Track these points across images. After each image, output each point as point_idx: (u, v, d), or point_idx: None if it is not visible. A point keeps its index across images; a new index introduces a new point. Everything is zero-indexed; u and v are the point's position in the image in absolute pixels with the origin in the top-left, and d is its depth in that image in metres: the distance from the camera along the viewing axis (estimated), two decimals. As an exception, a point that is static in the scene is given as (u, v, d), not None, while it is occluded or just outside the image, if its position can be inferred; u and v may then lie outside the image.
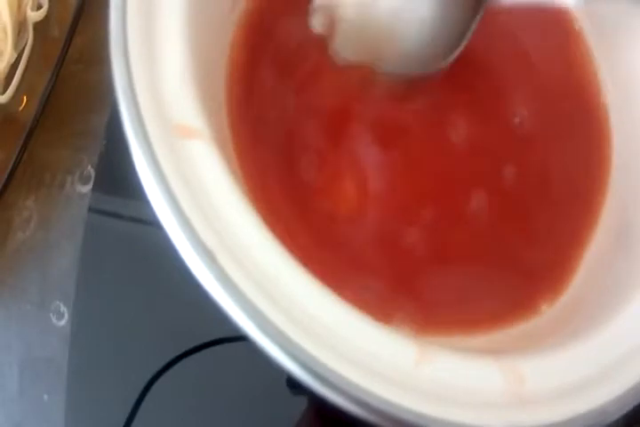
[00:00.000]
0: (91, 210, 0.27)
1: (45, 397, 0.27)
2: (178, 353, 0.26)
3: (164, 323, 0.27)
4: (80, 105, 0.29)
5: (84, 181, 0.28)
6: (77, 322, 0.26)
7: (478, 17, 0.19)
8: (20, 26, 0.32)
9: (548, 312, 0.20)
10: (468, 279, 0.20)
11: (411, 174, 0.21)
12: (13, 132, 0.30)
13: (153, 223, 0.28)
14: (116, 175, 0.27)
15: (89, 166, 0.28)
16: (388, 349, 0.15)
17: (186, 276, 0.14)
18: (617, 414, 0.15)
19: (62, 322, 0.27)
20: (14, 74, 0.31)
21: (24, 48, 0.31)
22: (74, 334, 0.26)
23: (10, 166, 0.29)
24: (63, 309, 0.27)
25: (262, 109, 0.21)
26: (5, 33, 0.31)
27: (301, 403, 0.26)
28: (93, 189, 0.27)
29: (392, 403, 0.14)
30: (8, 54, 0.31)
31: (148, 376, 0.27)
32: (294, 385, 0.26)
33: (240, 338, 0.27)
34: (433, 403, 0.14)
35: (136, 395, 0.26)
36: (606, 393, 0.15)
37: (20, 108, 0.30)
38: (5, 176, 0.29)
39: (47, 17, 0.32)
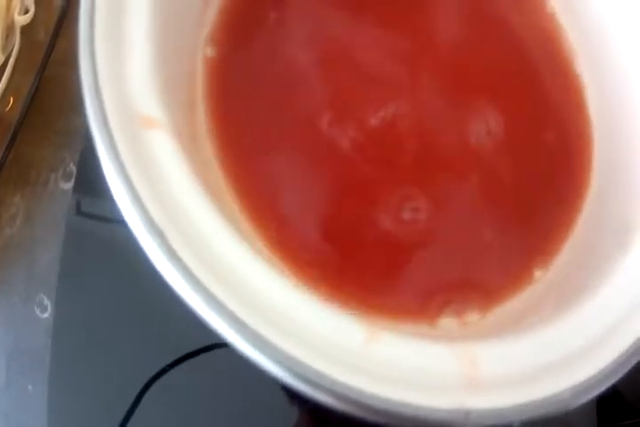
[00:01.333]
0: (71, 207, 0.28)
1: (30, 387, 0.28)
2: (163, 357, 0.27)
3: (147, 319, 0.28)
4: (63, 105, 0.30)
5: (67, 177, 0.29)
6: (59, 314, 0.27)
7: None
8: (7, 30, 0.33)
9: (520, 298, 0.20)
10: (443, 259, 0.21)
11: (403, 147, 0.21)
12: (0, 132, 0.31)
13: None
14: (97, 171, 0.28)
15: (71, 164, 0.29)
16: (335, 328, 0.15)
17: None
18: (575, 404, 0.15)
19: (46, 314, 0.28)
20: (1, 77, 0.32)
21: (11, 51, 0.32)
22: (56, 326, 0.27)
23: (-4, 165, 0.30)
24: (47, 302, 0.28)
25: (239, 108, 0.22)
26: (-7, 37, 0.32)
27: (297, 408, 0.26)
28: (75, 185, 0.28)
29: (340, 383, 0.14)
30: (-4, 58, 0.32)
31: (131, 369, 0.27)
32: (290, 390, 0.26)
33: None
34: (381, 384, 0.14)
35: (123, 389, 0.27)
36: (564, 381, 0.15)
37: (7, 108, 0.31)
38: (-9, 175, 0.30)
39: (33, 21, 0.33)
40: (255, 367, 0.27)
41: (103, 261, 0.28)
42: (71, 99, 0.30)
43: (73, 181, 0.28)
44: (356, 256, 0.20)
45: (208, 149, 0.21)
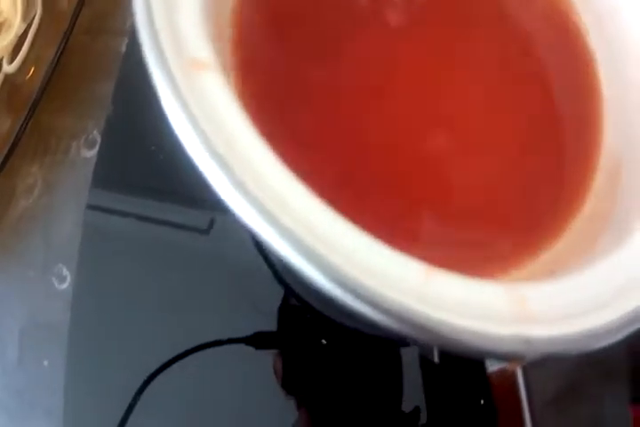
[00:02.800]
0: (96, 175, 0.27)
1: (46, 363, 0.27)
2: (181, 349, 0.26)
3: (168, 289, 0.27)
4: (86, 74, 0.29)
5: (90, 145, 0.28)
6: (80, 284, 0.26)
7: None
8: (28, -1, 0.32)
9: (556, 248, 0.20)
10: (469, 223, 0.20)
11: (424, 99, 0.21)
12: (20, 100, 0.30)
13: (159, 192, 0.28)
14: (124, 139, 0.28)
15: (94, 131, 0.28)
16: (397, 265, 0.15)
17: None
18: (609, 339, 0.15)
19: (64, 285, 0.27)
20: (22, 45, 0.31)
21: (32, 20, 0.32)
22: (76, 297, 0.26)
23: (14, 134, 0.29)
24: (66, 272, 0.27)
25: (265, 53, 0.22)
26: (15, 5, 0.32)
27: (296, 406, 0.26)
28: (99, 152, 0.27)
29: (409, 308, 0.14)
30: (17, 26, 0.31)
31: (150, 345, 0.26)
32: (289, 388, 0.26)
33: (238, 341, 0.28)
34: (445, 312, 0.14)
35: (142, 364, 0.26)
36: (603, 317, 0.15)
37: (27, 77, 0.30)
38: (9, 144, 0.29)
39: (56, -10, 0.32)
40: (256, 365, 0.26)
41: (127, 230, 0.27)
42: (95, 67, 0.29)
43: (96, 148, 0.27)
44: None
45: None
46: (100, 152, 0.27)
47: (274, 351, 0.27)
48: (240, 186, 0.14)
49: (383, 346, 0.27)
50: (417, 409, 0.26)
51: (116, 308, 0.27)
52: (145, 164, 0.27)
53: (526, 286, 0.16)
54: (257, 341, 0.27)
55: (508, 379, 0.22)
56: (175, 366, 0.26)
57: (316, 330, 0.28)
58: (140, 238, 0.28)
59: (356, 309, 0.14)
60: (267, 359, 0.27)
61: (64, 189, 0.28)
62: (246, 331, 0.27)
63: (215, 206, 0.30)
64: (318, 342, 0.28)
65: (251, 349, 0.27)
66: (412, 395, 0.26)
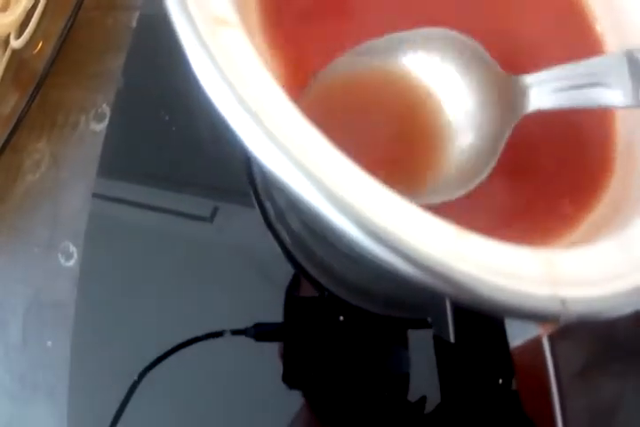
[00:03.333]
0: (106, 148, 0.26)
1: (49, 344, 0.26)
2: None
3: (171, 277, 0.26)
4: (95, 48, 0.29)
5: (99, 119, 0.27)
6: (87, 261, 0.25)
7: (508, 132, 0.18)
8: (37, -27, 0.32)
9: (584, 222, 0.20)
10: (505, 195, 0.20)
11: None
12: (27, 75, 0.29)
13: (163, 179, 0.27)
14: (134, 111, 0.27)
15: (104, 104, 0.27)
16: (428, 225, 0.14)
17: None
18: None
19: (71, 262, 0.26)
20: (30, 20, 0.30)
21: (41, -5, 0.31)
22: (83, 274, 0.25)
23: (20, 109, 0.28)
24: (72, 249, 0.26)
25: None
26: (23, -20, 0.31)
27: (297, 398, 0.25)
28: (110, 124, 0.26)
29: (442, 263, 0.13)
30: (25, 1, 0.31)
31: (152, 331, 0.25)
32: (290, 381, 0.25)
33: (242, 332, 0.27)
34: (477, 269, 0.14)
35: (140, 351, 0.25)
36: (633, 281, 0.15)
37: (34, 51, 0.29)
38: (15, 117, 0.28)
39: (65, -34, 0.31)
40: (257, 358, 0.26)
41: (132, 217, 0.26)
42: (105, 42, 0.29)
43: (106, 121, 0.26)
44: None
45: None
46: (109, 125, 0.26)
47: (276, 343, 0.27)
48: (270, 136, 0.14)
49: (389, 336, 0.26)
50: (423, 399, 0.26)
51: (121, 290, 0.26)
52: (156, 137, 0.26)
53: (554, 252, 0.16)
54: (257, 332, 0.27)
55: (533, 353, 0.21)
56: (176, 354, 0.25)
57: (318, 321, 0.27)
58: (144, 226, 0.27)
59: (392, 264, 0.13)
60: (266, 351, 0.26)
61: (72, 163, 0.27)
62: (247, 322, 0.26)
63: (218, 195, 0.29)
64: (320, 333, 0.27)
65: (251, 340, 0.26)
66: (426, 378, 0.25)
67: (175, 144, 0.26)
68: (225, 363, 0.26)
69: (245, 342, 0.26)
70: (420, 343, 0.25)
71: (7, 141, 0.27)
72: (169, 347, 0.25)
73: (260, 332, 0.27)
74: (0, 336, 0.27)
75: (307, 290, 0.28)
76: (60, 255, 0.26)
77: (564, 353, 0.21)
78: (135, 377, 0.25)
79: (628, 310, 0.14)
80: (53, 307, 0.26)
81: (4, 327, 0.27)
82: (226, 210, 0.28)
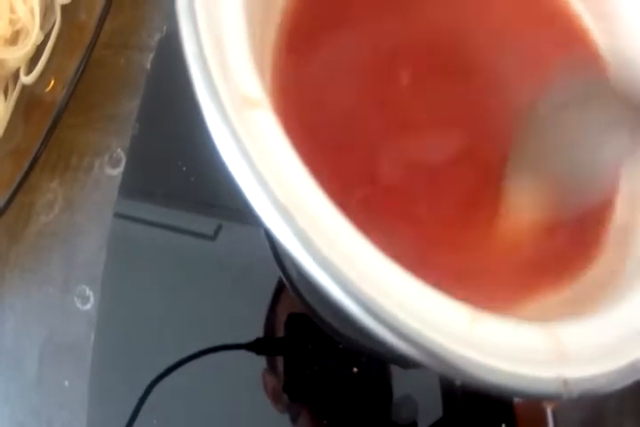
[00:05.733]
0: (121, 195, 0.26)
1: (66, 383, 0.27)
2: (200, 348, 0.26)
3: (193, 314, 0.27)
4: (108, 89, 0.29)
5: (114, 164, 0.27)
6: (104, 306, 0.26)
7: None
8: (46, 8, 0.32)
9: (580, 284, 0.21)
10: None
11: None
12: (39, 113, 0.29)
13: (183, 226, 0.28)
14: (150, 157, 0.27)
15: (118, 149, 0.27)
16: (443, 309, 0.15)
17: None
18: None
19: (87, 306, 0.26)
20: (41, 56, 0.30)
21: (51, 30, 0.31)
22: (100, 318, 0.26)
23: (35, 149, 0.28)
24: (89, 293, 0.26)
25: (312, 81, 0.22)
26: (32, 14, 0.31)
27: (298, 409, 0.27)
28: (125, 171, 0.27)
29: (453, 352, 0.14)
30: (35, 35, 0.30)
31: (158, 348, 0.26)
32: (291, 391, 0.27)
33: (240, 346, 0.28)
34: (487, 356, 0.15)
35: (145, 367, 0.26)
36: (633, 354, 0.16)
37: (47, 89, 0.29)
38: (30, 159, 0.28)
39: (74, 2, 0.31)
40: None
41: (151, 253, 0.27)
42: (117, 83, 0.29)
43: (121, 167, 0.27)
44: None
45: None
46: (125, 173, 0.26)
47: (264, 369, 0.28)
48: (299, 231, 0.14)
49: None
50: (414, 424, 0.27)
51: (142, 327, 0.27)
52: (173, 184, 0.26)
53: (559, 327, 0.16)
54: (258, 347, 0.28)
55: (536, 409, 0.23)
56: (180, 369, 0.26)
57: (318, 339, 0.29)
58: (155, 246, 0.27)
59: (394, 345, 0.14)
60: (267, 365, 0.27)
61: (87, 206, 0.27)
62: (249, 337, 0.27)
63: (221, 213, 0.30)
64: (319, 349, 0.28)
65: (252, 354, 0.27)
66: (430, 414, 0.27)
67: (192, 194, 0.26)
68: (227, 376, 0.27)
69: (247, 356, 0.28)
70: (425, 385, 0.27)
71: (23, 181, 0.28)
72: (172, 362, 0.26)
73: (262, 346, 0.28)
74: (15, 374, 0.28)
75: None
76: (76, 299, 0.27)
77: (564, 412, 0.22)
78: (137, 398, 0.26)
79: (621, 385, 0.16)
80: (69, 348, 0.27)
81: (19, 366, 0.27)
82: (229, 228, 0.28)
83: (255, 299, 0.28)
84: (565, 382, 0.15)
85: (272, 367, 0.28)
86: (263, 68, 0.22)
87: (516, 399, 0.24)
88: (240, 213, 0.29)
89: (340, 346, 0.26)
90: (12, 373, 0.27)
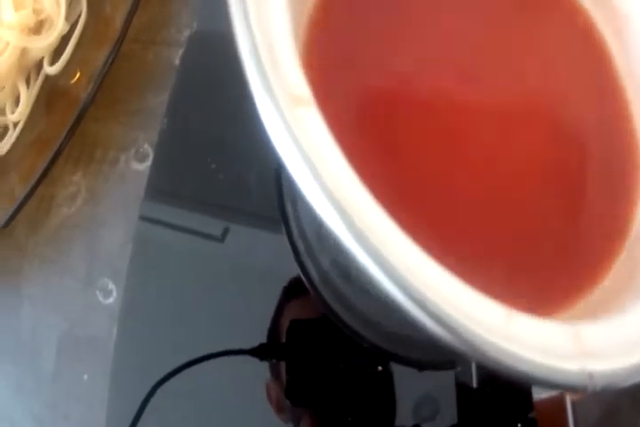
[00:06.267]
0: (149, 189, 0.26)
1: (85, 377, 0.26)
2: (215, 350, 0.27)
3: (200, 317, 0.27)
4: (135, 84, 0.29)
5: (141, 158, 0.27)
6: (128, 300, 0.26)
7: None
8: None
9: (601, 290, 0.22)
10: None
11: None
12: (63, 104, 0.29)
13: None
14: (178, 152, 0.27)
15: (145, 144, 0.27)
16: (482, 305, 0.16)
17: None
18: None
19: (110, 300, 0.26)
20: (66, 47, 0.30)
21: (77, 22, 0.31)
22: (123, 312, 0.26)
23: (59, 142, 0.28)
24: (111, 286, 0.26)
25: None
26: (58, 4, 0.31)
27: (300, 414, 0.27)
28: (152, 167, 0.27)
29: (491, 343, 0.15)
30: (60, 26, 0.30)
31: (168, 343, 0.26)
32: (293, 396, 0.27)
33: (244, 352, 0.29)
34: (522, 348, 0.16)
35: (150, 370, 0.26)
36: None
37: (72, 81, 0.29)
38: (54, 150, 0.28)
39: (99, -6, 0.31)
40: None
41: (168, 254, 0.27)
42: (145, 77, 0.29)
43: (149, 161, 0.27)
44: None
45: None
46: (152, 167, 0.26)
47: (268, 378, 0.28)
48: (352, 225, 0.15)
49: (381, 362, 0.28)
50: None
51: (165, 322, 0.27)
52: (201, 181, 0.27)
53: (580, 325, 0.18)
54: (261, 352, 0.28)
55: (555, 406, 0.24)
56: (183, 373, 0.27)
57: (320, 342, 0.29)
58: (170, 247, 0.27)
59: (438, 335, 0.15)
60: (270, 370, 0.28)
61: (111, 200, 0.27)
62: (253, 342, 0.28)
63: (228, 215, 0.30)
64: (323, 354, 0.29)
65: (255, 359, 0.28)
66: (446, 419, 0.27)
67: (220, 189, 0.26)
68: (230, 381, 0.28)
69: (250, 361, 0.28)
70: (442, 385, 0.27)
71: (44, 174, 0.27)
72: (181, 361, 0.27)
73: (265, 352, 0.29)
74: (31, 367, 0.27)
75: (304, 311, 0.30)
76: (98, 292, 0.27)
77: (582, 408, 0.23)
78: (141, 400, 0.26)
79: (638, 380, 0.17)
80: (89, 341, 0.27)
81: (36, 358, 0.27)
82: (236, 230, 0.29)
83: (262, 303, 0.28)
84: (591, 375, 0.16)
85: (276, 377, 0.28)
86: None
87: (535, 397, 0.24)
88: (249, 215, 0.29)
89: (365, 345, 0.27)
90: (28, 365, 0.27)
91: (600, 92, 0.25)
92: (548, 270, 0.22)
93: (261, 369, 0.28)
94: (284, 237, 0.28)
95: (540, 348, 0.16)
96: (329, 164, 0.17)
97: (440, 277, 0.17)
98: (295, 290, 0.29)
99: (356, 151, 0.20)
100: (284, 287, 0.29)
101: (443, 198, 0.20)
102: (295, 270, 0.28)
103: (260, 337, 0.28)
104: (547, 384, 0.16)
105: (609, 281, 0.23)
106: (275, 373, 0.28)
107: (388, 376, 0.27)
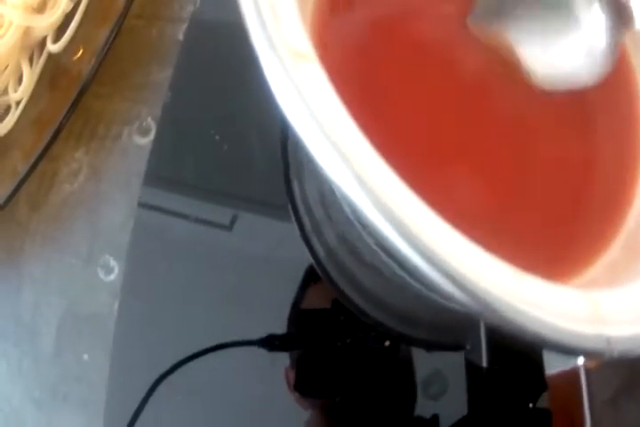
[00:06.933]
0: (150, 166, 0.26)
1: (86, 356, 0.26)
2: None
3: (206, 307, 0.27)
4: (138, 59, 0.28)
5: (143, 132, 0.27)
6: (129, 276, 0.25)
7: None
8: (76, -23, 0.31)
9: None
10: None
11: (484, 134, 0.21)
12: (66, 81, 0.29)
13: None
14: (181, 125, 0.27)
15: (148, 118, 0.27)
16: (494, 267, 0.16)
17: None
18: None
19: (111, 277, 0.26)
20: (68, 25, 0.30)
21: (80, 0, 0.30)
22: (124, 289, 0.25)
23: (60, 117, 0.28)
24: (113, 263, 0.26)
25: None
26: (61, -18, 0.31)
27: (310, 406, 0.26)
28: (155, 139, 0.26)
29: (508, 304, 0.15)
30: (64, 3, 0.30)
31: (171, 340, 0.26)
32: (302, 389, 0.26)
33: (252, 343, 0.28)
34: (532, 308, 0.15)
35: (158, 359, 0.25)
36: None
37: (75, 57, 0.29)
38: (55, 126, 0.27)
39: (104, -28, 0.31)
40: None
41: (175, 242, 0.26)
42: (148, 52, 0.28)
43: (151, 135, 0.26)
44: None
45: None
46: (155, 141, 0.26)
47: (287, 360, 0.27)
48: (361, 181, 0.14)
49: (396, 350, 0.27)
50: (435, 417, 0.27)
51: (167, 300, 0.26)
52: (205, 154, 0.26)
53: (597, 292, 0.17)
54: (269, 343, 0.27)
55: (569, 381, 0.23)
56: (190, 363, 0.26)
57: (330, 333, 0.28)
58: (174, 235, 0.27)
59: (455, 297, 0.14)
60: (279, 361, 0.27)
61: (113, 175, 0.27)
62: (261, 332, 0.27)
63: (237, 203, 0.29)
64: (332, 345, 0.28)
65: (264, 351, 0.27)
66: (456, 400, 0.26)
67: (224, 163, 0.26)
68: (238, 373, 0.27)
69: (259, 352, 0.27)
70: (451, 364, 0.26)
71: (45, 150, 0.27)
72: (183, 356, 0.26)
73: (273, 343, 0.28)
74: (31, 347, 0.27)
75: (312, 301, 0.29)
76: (99, 269, 0.26)
77: (598, 381, 0.22)
78: (147, 388, 0.25)
79: None
80: (89, 320, 0.26)
81: (36, 338, 0.27)
82: (245, 218, 0.28)
83: (270, 293, 0.28)
84: (608, 340, 0.15)
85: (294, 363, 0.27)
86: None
87: (547, 373, 0.23)
88: (257, 203, 0.29)
89: (371, 323, 0.26)
90: (27, 345, 0.27)
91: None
92: (556, 236, 0.22)
93: (268, 360, 0.27)
94: (293, 226, 0.28)
95: (555, 311, 0.16)
96: (332, 118, 0.16)
97: (451, 236, 0.16)
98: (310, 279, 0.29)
99: (356, 103, 0.20)
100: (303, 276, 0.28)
101: (449, 155, 0.20)
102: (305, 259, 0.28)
103: (269, 327, 0.27)
104: (563, 349, 0.15)
105: (617, 250, 0.22)
106: (293, 359, 0.27)
107: (395, 353, 0.26)
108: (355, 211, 0.15)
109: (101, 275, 0.26)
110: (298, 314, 0.28)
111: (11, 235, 0.28)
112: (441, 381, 0.26)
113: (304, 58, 0.18)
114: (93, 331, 0.26)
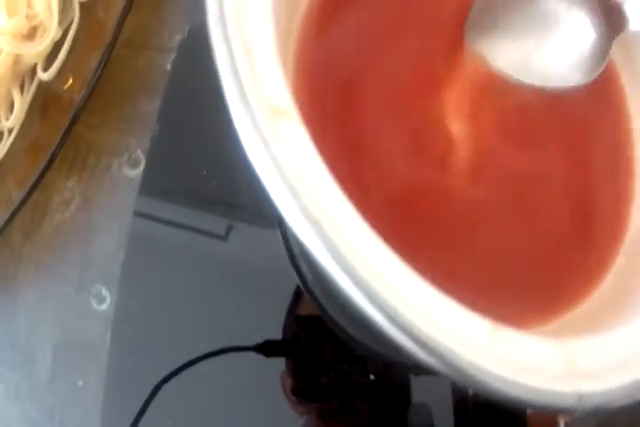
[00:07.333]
0: (142, 195, 0.26)
1: (80, 383, 0.27)
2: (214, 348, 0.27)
3: (203, 315, 0.27)
4: (128, 89, 0.29)
5: (133, 164, 0.27)
6: (121, 307, 0.26)
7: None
8: (64, 4, 0.31)
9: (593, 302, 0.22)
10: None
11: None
12: (56, 110, 0.29)
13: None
14: (170, 160, 0.27)
15: (138, 150, 0.27)
16: (464, 320, 0.15)
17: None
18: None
19: (103, 306, 0.26)
20: (59, 52, 0.30)
21: (69, 27, 0.31)
22: (116, 319, 0.26)
23: (53, 147, 0.28)
24: (105, 293, 0.26)
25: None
26: (50, 9, 0.31)
27: (306, 411, 0.27)
28: (145, 172, 0.27)
29: (471, 362, 0.14)
30: (53, 31, 0.30)
31: (168, 348, 0.26)
32: (300, 393, 0.27)
33: (249, 348, 0.28)
34: (507, 368, 0.15)
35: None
36: None
37: (65, 86, 0.29)
38: (48, 154, 0.28)
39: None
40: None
41: (166, 252, 0.27)
42: (137, 83, 0.29)
43: (140, 167, 0.27)
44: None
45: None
46: (144, 174, 0.26)
47: (283, 366, 0.28)
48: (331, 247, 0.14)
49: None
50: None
51: (159, 327, 0.27)
52: (193, 187, 0.27)
53: (573, 342, 0.17)
54: (267, 349, 0.28)
55: (548, 420, 0.24)
56: (187, 370, 0.26)
57: (325, 339, 0.29)
58: (170, 246, 0.27)
59: (414, 354, 0.14)
60: (276, 366, 0.27)
61: (105, 206, 0.27)
62: (258, 338, 0.28)
63: (232, 214, 0.30)
64: (327, 350, 0.29)
65: (261, 356, 0.28)
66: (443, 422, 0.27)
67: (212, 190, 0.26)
68: (235, 378, 0.27)
69: (255, 358, 0.28)
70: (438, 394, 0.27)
71: (40, 178, 0.28)
72: (180, 363, 0.27)
73: (270, 348, 0.29)
74: (27, 372, 0.28)
75: (307, 308, 0.30)
76: (92, 299, 0.27)
77: (575, 423, 0.23)
78: (146, 396, 0.26)
79: (634, 399, 0.16)
80: (83, 347, 0.27)
81: (32, 364, 0.28)
82: (240, 229, 0.29)
83: (266, 301, 0.28)
84: (580, 396, 0.15)
85: (290, 368, 0.28)
86: (287, 57, 0.21)
87: (529, 410, 0.24)
88: (253, 213, 0.29)
89: (358, 353, 0.27)
90: (25, 370, 0.28)
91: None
92: (534, 281, 0.22)
93: (266, 366, 0.28)
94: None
95: (527, 367, 0.15)
96: (310, 184, 0.16)
97: (420, 289, 0.16)
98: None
99: (336, 160, 0.20)
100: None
101: (426, 209, 0.20)
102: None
103: (263, 334, 0.28)
104: (533, 407, 0.15)
105: (598, 295, 0.22)
106: (289, 364, 0.28)
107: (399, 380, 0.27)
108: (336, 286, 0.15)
109: (94, 304, 0.27)
110: (293, 320, 0.29)
111: (4, 262, 0.29)
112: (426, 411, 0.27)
113: (282, 115, 0.17)
114: (87, 359, 0.26)
